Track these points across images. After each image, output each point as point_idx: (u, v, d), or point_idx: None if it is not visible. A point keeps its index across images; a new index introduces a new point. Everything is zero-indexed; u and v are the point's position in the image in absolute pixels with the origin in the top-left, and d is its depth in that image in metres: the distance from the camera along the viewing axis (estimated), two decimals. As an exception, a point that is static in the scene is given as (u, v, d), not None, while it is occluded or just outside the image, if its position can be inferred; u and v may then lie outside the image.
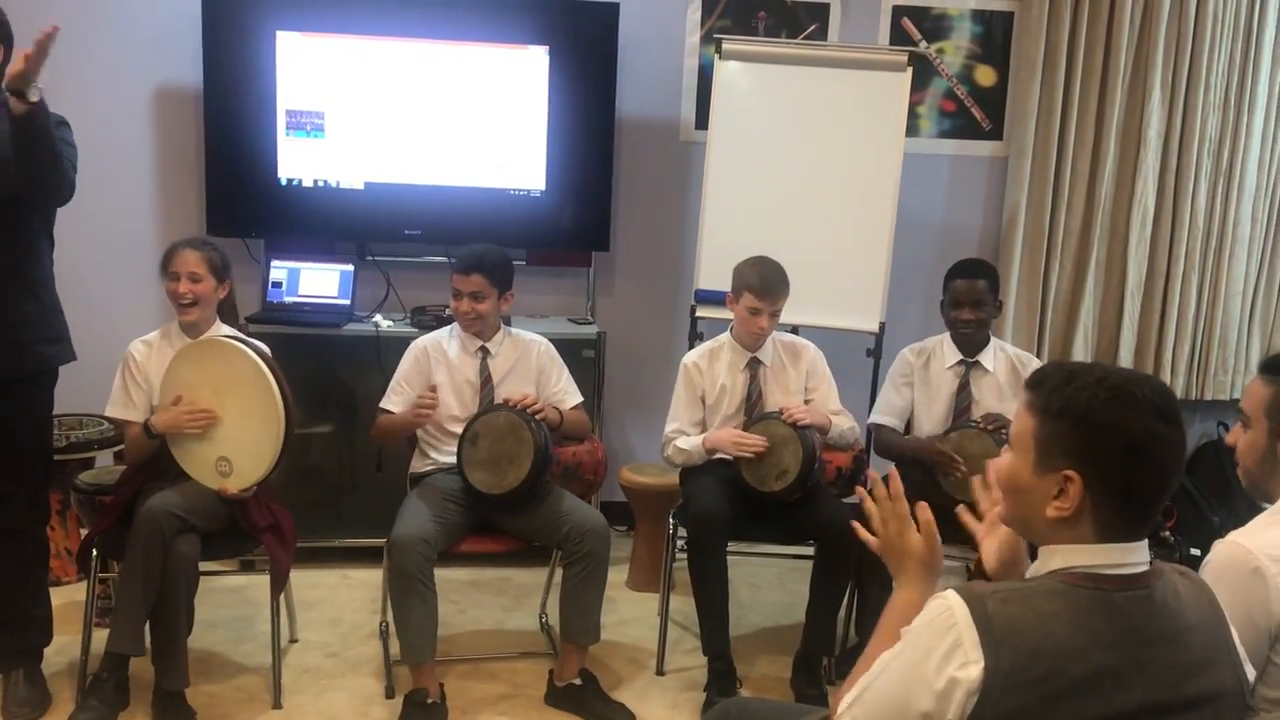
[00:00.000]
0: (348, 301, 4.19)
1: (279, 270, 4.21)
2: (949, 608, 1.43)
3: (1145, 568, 1.48)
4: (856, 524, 1.82)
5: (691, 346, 4.01)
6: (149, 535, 2.91)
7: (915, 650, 1.45)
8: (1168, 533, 4.34)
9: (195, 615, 3.17)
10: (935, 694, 1.41)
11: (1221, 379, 4.87)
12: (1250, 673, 1.56)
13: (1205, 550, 2.02)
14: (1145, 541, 1.49)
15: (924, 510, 1.73)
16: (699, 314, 4.24)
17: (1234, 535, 1.89)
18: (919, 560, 1.71)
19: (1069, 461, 1.47)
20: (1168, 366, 4.80)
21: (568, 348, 4.01)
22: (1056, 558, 1.50)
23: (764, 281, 3.44)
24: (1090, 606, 1.43)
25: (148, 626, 3.00)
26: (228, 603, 3.85)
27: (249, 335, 3.50)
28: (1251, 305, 4.86)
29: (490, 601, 4.02)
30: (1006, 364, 3.60)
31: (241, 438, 3.02)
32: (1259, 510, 1.99)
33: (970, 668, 1.38)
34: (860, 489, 1.81)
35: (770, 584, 4.27)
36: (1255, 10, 4.56)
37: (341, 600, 3.96)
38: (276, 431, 2.99)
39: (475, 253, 3.39)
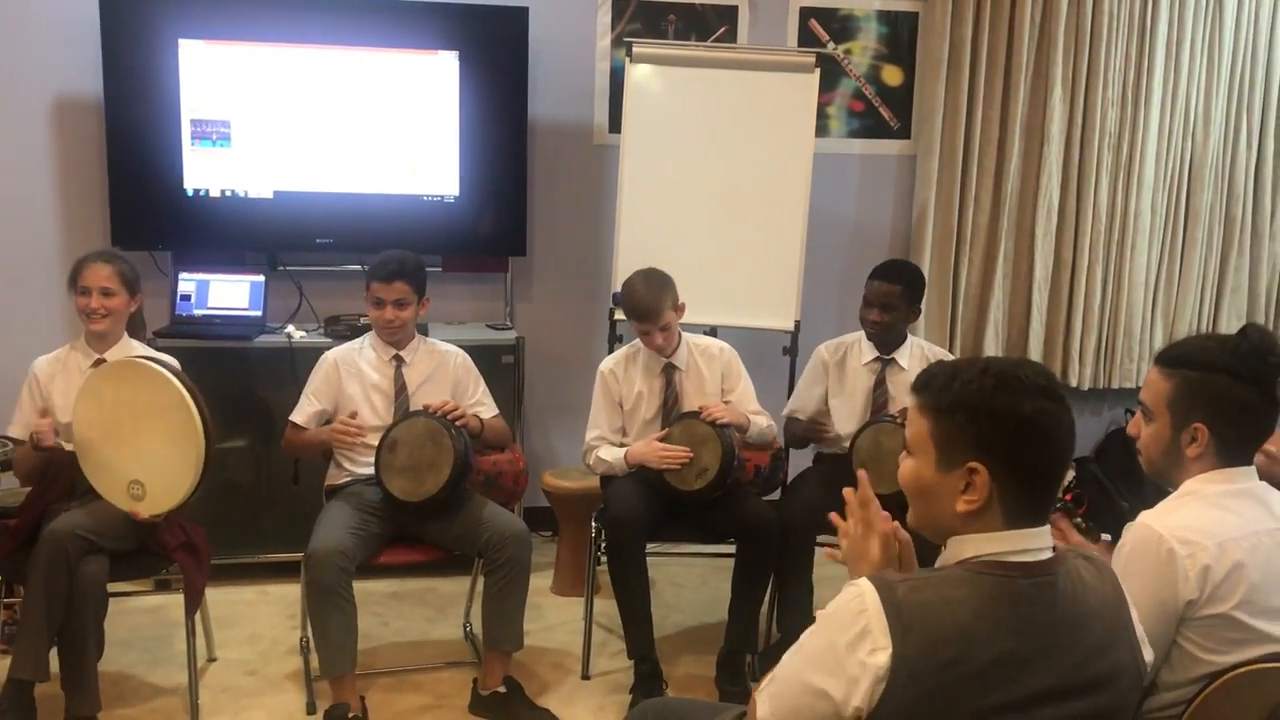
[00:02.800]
0: (259, 313, 4.12)
1: (187, 282, 4.13)
2: (860, 594, 1.45)
3: (1048, 554, 1.52)
4: (827, 544, 1.79)
5: (611, 349, 4.02)
6: (52, 557, 2.84)
7: (827, 634, 1.47)
8: (1080, 519, 4.44)
9: (108, 637, 3.10)
10: (844, 678, 1.42)
11: (1127, 367, 5.01)
12: (1148, 655, 1.61)
13: (1115, 535, 2.07)
14: (1047, 528, 1.53)
15: (886, 522, 1.71)
16: (617, 317, 4.24)
17: (1145, 518, 1.94)
18: (874, 568, 1.68)
19: (971, 454, 1.50)
20: (1075, 356, 4.93)
21: (486, 354, 4.00)
22: (963, 547, 1.53)
23: (641, 306, 3.43)
24: (995, 593, 1.46)
25: (56, 651, 2.92)
26: (143, 623, 3.76)
27: (157, 349, 3.44)
28: (1154, 295, 5.00)
29: (413, 612, 3.98)
30: (921, 361, 3.65)
31: (157, 464, 2.94)
32: (1166, 495, 2.05)
33: (879, 654, 1.41)
34: (834, 517, 1.78)
35: (694, 583, 4.29)
36: (1148, 8, 4.69)
37: (260, 616, 3.89)
38: (195, 463, 2.91)
39: (396, 259, 3.36)
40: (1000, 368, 1.52)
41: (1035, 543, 1.51)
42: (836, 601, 1.49)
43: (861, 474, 1.77)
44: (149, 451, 2.94)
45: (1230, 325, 5.04)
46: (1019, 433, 1.48)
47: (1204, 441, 1.97)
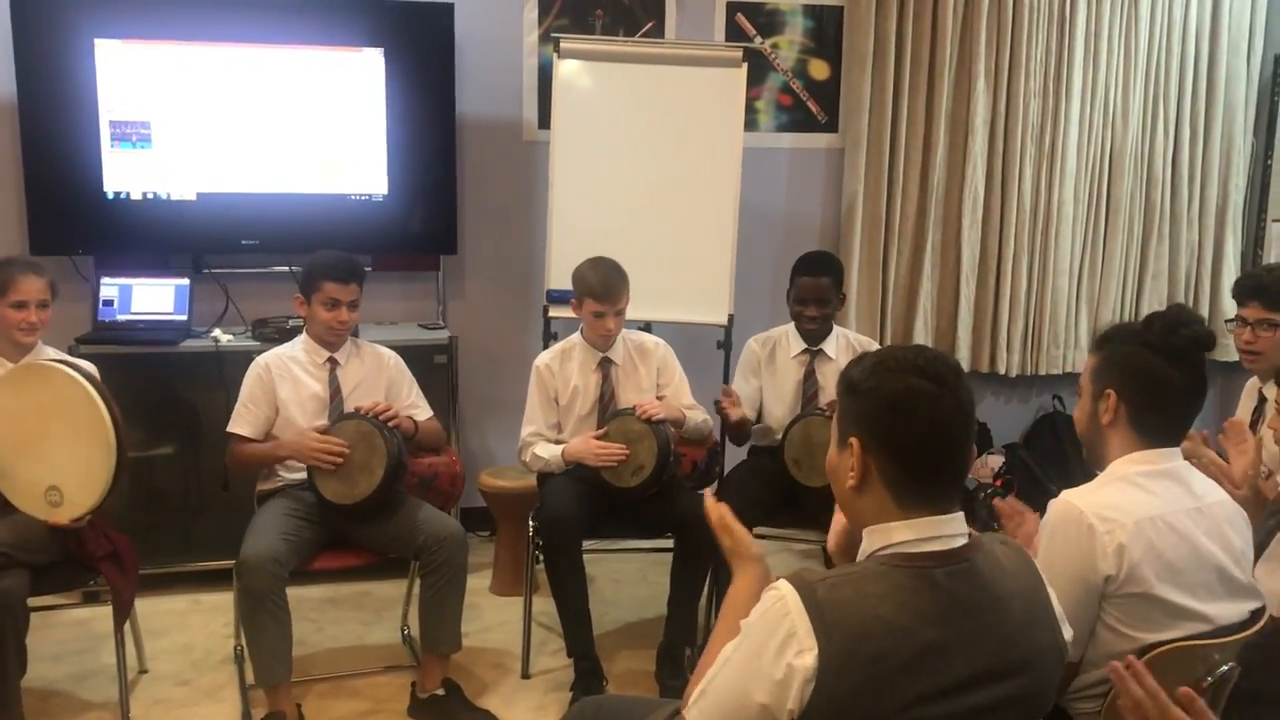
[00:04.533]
0: (184, 317, 4.04)
1: (110, 287, 4.03)
2: (781, 597, 1.47)
3: (963, 541, 1.54)
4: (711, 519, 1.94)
5: (546, 346, 4.01)
6: None
7: (753, 642, 1.48)
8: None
9: (34, 651, 3.03)
10: (774, 683, 1.44)
11: (1054, 354, 5.09)
12: (1068, 633, 1.64)
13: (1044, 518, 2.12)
14: (960, 515, 1.55)
15: (712, 506, 1.93)
16: (551, 314, 4.23)
17: (1067, 494, 2.01)
18: (735, 553, 1.86)
19: (851, 430, 1.57)
20: (1003, 344, 5.01)
21: (419, 354, 3.97)
22: (874, 538, 1.56)
23: (602, 285, 3.44)
24: (913, 585, 1.48)
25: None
26: (71, 637, 3.68)
27: (79, 356, 3.37)
28: (1078, 283, 5.09)
29: (349, 617, 3.94)
30: (849, 350, 3.71)
31: (71, 465, 2.88)
32: (1093, 479, 2.11)
33: (805, 655, 1.42)
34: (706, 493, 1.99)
35: (633, 578, 4.29)
36: (1067, 2, 4.77)
37: (193, 626, 3.82)
38: (108, 457, 2.85)
39: (348, 259, 3.35)
40: (887, 352, 1.58)
41: (946, 530, 1.53)
42: (759, 608, 1.50)
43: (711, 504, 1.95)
44: (61, 453, 2.88)
45: (1153, 310, 5.14)
46: (885, 408, 1.53)
47: (1112, 407, 2.05)
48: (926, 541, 1.52)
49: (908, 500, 1.53)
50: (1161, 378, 2.02)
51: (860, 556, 1.58)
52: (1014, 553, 1.61)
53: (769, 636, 1.45)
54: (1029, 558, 1.63)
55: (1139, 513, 1.93)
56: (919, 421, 1.51)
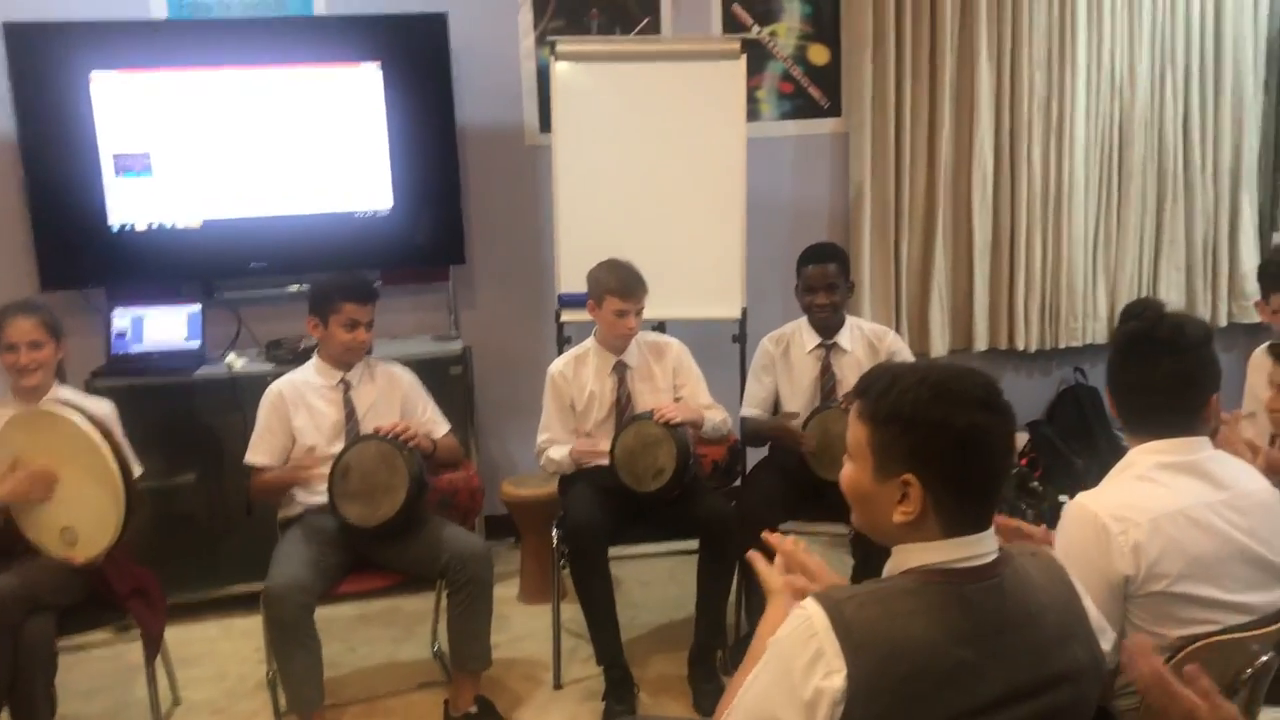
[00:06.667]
0: (198, 344, 4.02)
1: (122, 319, 4.03)
2: (808, 617, 1.43)
3: (993, 557, 1.51)
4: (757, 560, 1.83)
5: (560, 351, 3.99)
6: None
7: (779, 663, 1.45)
8: (1036, 483, 4.49)
9: (68, 687, 3.06)
10: (802, 704, 1.41)
11: (1073, 326, 5.03)
12: (1106, 643, 1.61)
13: (1071, 494, 2.10)
14: (991, 531, 1.52)
15: (776, 541, 1.82)
16: (564, 318, 4.21)
17: (1081, 497, 1.99)
18: (766, 589, 1.78)
19: (905, 465, 1.48)
20: (1021, 319, 4.95)
21: (434, 366, 3.96)
22: (907, 557, 1.52)
23: (623, 282, 3.44)
24: (944, 602, 1.45)
25: (9, 713, 2.86)
26: (103, 671, 3.69)
27: (96, 392, 3.37)
28: (1094, 253, 5.03)
29: (380, 635, 3.94)
30: (863, 341, 3.67)
31: (83, 506, 2.89)
32: (1121, 450, 2.08)
33: (834, 676, 1.39)
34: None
35: (661, 580, 4.27)
36: (1067, -31, 4.71)
37: (225, 653, 3.83)
38: (116, 504, 2.85)
39: (364, 279, 3.40)
40: (939, 378, 1.49)
41: (979, 549, 1.50)
42: (785, 628, 1.47)
43: (777, 541, 1.81)
44: (73, 496, 2.89)
45: (1170, 277, 5.09)
46: (952, 446, 1.46)
47: (1108, 401, 2.11)
48: (959, 560, 1.48)
49: (955, 525, 1.49)
50: (1117, 374, 2.06)
51: (888, 572, 1.54)
52: (1045, 565, 1.57)
53: (796, 657, 1.42)
54: (1061, 570, 1.59)
55: (1155, 509, 1.90)
56: (983, 458, 1.48)
